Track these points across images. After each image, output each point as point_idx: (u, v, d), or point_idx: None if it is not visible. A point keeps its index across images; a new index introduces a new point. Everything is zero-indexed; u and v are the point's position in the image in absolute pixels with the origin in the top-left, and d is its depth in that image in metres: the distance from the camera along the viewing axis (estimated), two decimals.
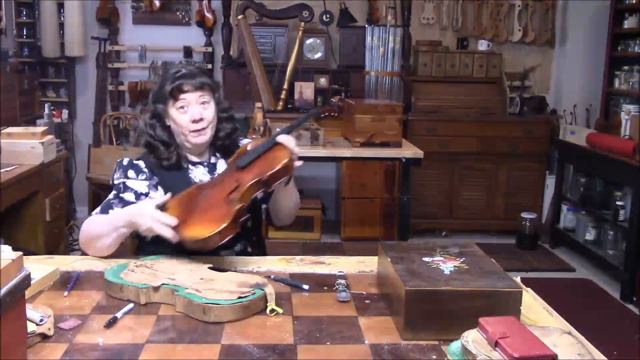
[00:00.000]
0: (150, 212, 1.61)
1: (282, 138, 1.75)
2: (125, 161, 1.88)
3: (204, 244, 1.58)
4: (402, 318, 1.31)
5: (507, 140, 4.97)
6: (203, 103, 1.85)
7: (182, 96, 1.82)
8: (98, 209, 1.81)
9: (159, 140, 1.87)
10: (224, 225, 1.56)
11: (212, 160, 1.96)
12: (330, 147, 3.70)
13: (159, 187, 1.85)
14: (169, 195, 1.73)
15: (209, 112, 1.86)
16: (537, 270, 4.49)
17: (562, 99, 5.41)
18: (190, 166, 1.92)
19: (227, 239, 1.59)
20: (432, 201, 5.05)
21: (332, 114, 1.98)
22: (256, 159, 1.74)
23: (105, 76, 5.19)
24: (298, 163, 1.76)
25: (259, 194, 1.73)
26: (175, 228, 1.59)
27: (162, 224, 1.60)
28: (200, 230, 1.58)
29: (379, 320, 1.41)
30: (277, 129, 1.99)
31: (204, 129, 1.85)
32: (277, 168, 1.68)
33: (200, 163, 1.93)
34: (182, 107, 1.83)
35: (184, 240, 1.59)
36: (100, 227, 1.72)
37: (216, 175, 1.89)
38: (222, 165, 1.94)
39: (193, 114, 1.82)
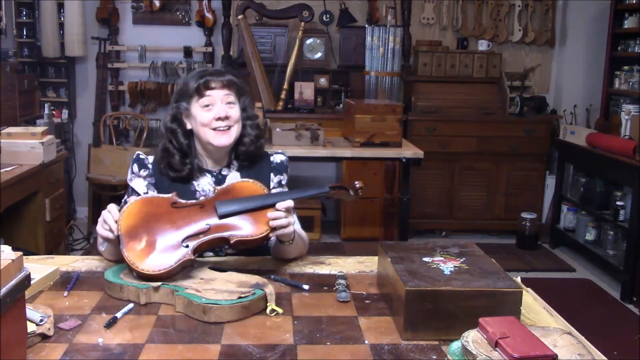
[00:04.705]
0: (104, 212, 1.58)
1: (281, 205, 1.61)
2: (136, 155, 1.85)
3: (138, 275, 1.52)
4: (402, 318, 1.31)
5: (507, 140, 4.96)
6: (229, 103, 1.77)
7: (208, 92, 1.74)
8: None
9: (177, 148, 1.78)
10: (164, 270, 1.50)
11: (224, 172, 1.84)
12: (330, 147, 3.70)
13: (155, 190, 1.80)
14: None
15: (235, 111, 1.77)
16: (537, 270, 4.48)
17: (562, 99, 5.40)
18: (197, 174, 1.82)
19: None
20: (432, 201, 5.05)
21: (345, 189, 1.74)
22: (239, 212, 1.62)
23: (105, 76, 5.20)
24: (282, 228, 1.62)
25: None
26: (123, 237, 1.54)
27: (103, 221, 1.58)
28: (144, 262, 1.51)
29: (379, 320, 1.41)
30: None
31: (229, 128, 1.76)
32: (250, 238, 1.59)
33: (210, 172, 1.83)
34: (207, 105, 1.74)
35: (124, 255, 1.53)
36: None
37: (202, 197, 1.77)
38: (232, 179, 1.81)
39: (218, 112, 1.74)
